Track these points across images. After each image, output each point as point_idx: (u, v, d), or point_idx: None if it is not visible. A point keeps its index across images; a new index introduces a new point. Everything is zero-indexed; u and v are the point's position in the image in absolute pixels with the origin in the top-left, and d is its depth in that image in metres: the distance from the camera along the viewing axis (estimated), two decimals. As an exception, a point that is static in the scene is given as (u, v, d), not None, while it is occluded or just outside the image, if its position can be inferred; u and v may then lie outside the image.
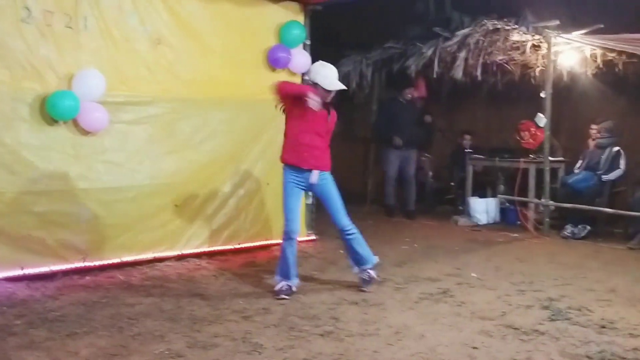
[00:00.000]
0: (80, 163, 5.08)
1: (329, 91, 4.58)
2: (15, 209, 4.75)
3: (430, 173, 9.54)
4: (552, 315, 4.18)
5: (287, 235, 4.63)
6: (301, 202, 4.74)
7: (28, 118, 4.80)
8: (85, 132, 5.07)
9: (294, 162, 4.62)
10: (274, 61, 6.23)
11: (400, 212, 8.84)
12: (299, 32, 6.36)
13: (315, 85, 4.56)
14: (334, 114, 4.69)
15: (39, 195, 4.86)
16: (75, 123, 5.00)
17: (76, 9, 5.00)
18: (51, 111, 4.83)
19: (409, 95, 8.66)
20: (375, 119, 9.37)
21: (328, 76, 4.58)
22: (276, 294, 4.55)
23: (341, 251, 6.25)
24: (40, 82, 4.84)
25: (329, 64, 4.69)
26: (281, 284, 4.59)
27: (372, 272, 4.84)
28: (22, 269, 4.76)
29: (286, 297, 4.50)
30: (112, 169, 5.26)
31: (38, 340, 3.55)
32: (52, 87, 4.88)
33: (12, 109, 4.72)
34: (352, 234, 4.78)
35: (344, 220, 4.76)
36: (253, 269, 5.38)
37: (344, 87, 4.69)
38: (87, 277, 4.99)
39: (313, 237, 6.78)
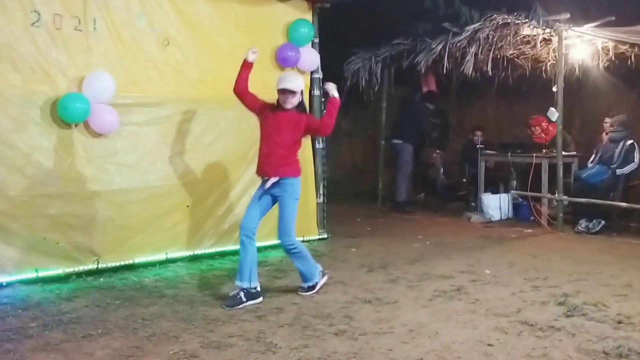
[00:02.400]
0: (92, 165, 5.10)
1: (281, 91, 4.52)
2: (29, 211, 4.77)
3: (442, 169, 9.49)
4: (568, 311, 4.14)
5: (240, 231, 4.53)
6: (262, 205, 4.57)
7: (39, 121, 4.82)
8: (96, 134, 5.09)
9: (257, 172, 4.66)
10: (282, 60, 6.22)
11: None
12: (308, 31, 6.35)
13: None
14: (307, 119, 4.66)
15: (52, 198, 4.88)
16: (87, 125, 5.02)
17: (85, 11, 5.02)
18: (62, 114, 4.85)
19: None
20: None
21: (280, 78, 4.60)
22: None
23: (353, 249, 6.27)
24: (50, 85, 4.87)
25: (295, 73, 4.72)
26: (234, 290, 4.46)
27: (308, 291, 4.63)
28: (37, 271, 4.79)
29: (230, 307, 4.28)
30: (123, 171, 5.27)
31: (54, 342, 3.56)
32: (63, 89, 4.91)
33: (24, 112, 4.75)
34: (294, 251, 4.61)
35: (283, 239, 4.59)
36: (265, 269, 5.37)
37: (286, 87, 4.50)
38: (101, 279, 5.01)
39: (324, 235, 6.77)
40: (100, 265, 5.11)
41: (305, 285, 4.67)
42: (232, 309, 4.24)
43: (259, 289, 4.47)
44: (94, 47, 5.08)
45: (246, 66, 4.67)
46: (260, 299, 4.43)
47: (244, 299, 4.33)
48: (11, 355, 3.38)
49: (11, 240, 4.70)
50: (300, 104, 4.64)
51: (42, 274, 4.81)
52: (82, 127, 5.02)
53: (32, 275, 4.77)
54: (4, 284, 4.64)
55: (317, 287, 4.68)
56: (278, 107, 4.59)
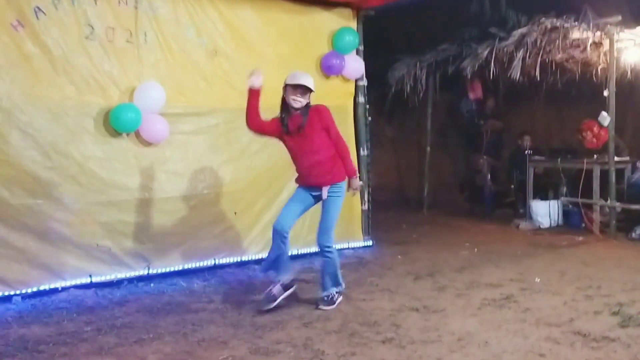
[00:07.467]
0: (143, 173, 5.23)
1: (292, 87, 4.31)
2: (83, 219, 4.92)
3: (489, 176, 9.34)
4: (623, 321, 4.02)
5: (274, 232, 4.42)
6: (302, 207, 4.52)
7: (93, 131, 4.98)
8: (147, 143, 5.22)
9: (303, 183, 4.54)
10: (327, 68, 6.26)
11: None
12: (352, 38, 6.37)
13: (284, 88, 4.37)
14: (315, 110, 4.40)
15: (105, 206, 5.02)
16: (138, 135, 5.16)
17: (136, 24, 5.16)
18: (114, 124, 4.99)
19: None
20: None
21: (291, 75, 4.36)
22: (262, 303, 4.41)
23: (399, 257, 6.23)
24: (103, 96, 5.02)
25: (307, 74, 4.46)
26: (269, 290, 4.43)
27: (329, 300, 4.46)
28: (90, 277, 4.93)
29: (268, 307, 4.33)
30: (173, 179, 5.39)
31: (107, 347, 3.66)
32: (115, 100, 5.05)
33: (78, 122, 4.90)
34: (329, 255, 4.47)
35: (322, 238, 4.45)
36: (311, 275, 5.40)
37: (304, 83, 4.31)
38: (152, 284, 5.13)
39: (369, 242, 6.75)
40: (150, 271, 5.22)
41: (324, 294, 4.49)
42: (271, 305, 4.30)
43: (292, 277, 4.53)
44: (144, 58, 5.22)
45: (254, 95, 4.33)
46: (294, 287, 4.53)
47: (278, 295, 4.36)
48: (67, 358, 3.49)
49: (66, 247, 4.86)
50: (307, 105, 4.38)
51: (95, 279, 4.95)
52: (134, 137, 5.16)
53: (86, 280, 4.91)
54: (60, 289, 4.80)
55: (335, 304, 4.46)
56: (287, 114, 4.37)
